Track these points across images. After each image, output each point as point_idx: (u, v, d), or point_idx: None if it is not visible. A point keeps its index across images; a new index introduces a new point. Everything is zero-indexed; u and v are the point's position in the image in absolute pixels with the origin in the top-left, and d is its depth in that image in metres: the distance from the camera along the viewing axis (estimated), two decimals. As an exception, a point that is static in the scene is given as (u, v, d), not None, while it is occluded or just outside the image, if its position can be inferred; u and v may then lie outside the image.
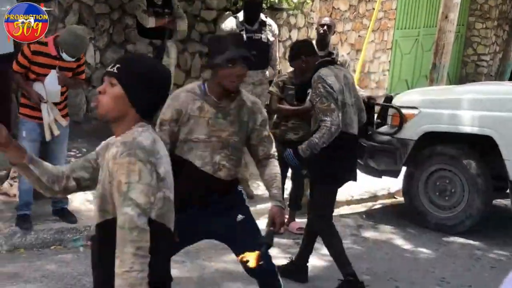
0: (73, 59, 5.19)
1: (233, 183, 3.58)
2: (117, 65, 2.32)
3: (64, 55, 5.10)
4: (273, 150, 3.63)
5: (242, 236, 3.55)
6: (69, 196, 5.47)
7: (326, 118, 4.40)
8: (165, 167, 2.28)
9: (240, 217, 3.54)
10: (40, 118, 5.18)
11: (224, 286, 4.83)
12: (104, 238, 2.30)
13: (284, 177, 6.04)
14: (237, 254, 3.51)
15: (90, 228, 5.10)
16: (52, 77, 5.12)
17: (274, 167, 3.58)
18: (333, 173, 4.66)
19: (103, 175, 2.27)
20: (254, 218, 3.67)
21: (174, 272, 4.96)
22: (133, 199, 2.14)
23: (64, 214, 5.49)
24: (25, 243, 5.20)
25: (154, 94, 2.34)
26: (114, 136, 2.38)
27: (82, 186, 2.48)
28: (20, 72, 5.19)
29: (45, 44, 5.15)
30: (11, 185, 5.89)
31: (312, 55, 4.80)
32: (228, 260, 5.15)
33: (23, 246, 5.20)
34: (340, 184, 4.85)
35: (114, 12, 7.93)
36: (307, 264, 5.00)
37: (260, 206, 6.45)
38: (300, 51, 4.80)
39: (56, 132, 5.21)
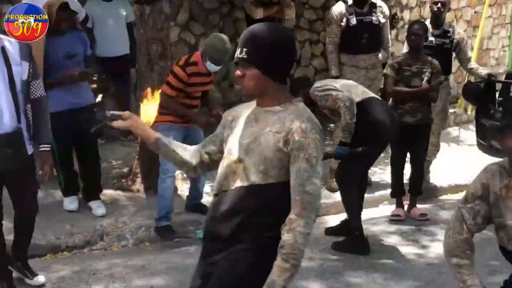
0: (218, 67, 5.21)
1: None
2: (244, 49, 2.46)
3: (209, 65, 5.14)
4: None
5: None
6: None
7: (337, 102, 4.90)
8: None
9: None
10: (184, 122, 5.27)
11: (346, 275, 4.74)
12: (261, 199, 2.46)
13: (403, 162, 5.90)
14: None
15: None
16: None
17: None
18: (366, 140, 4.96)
19: (265, 140, 2.45)
20: None
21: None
22: (319, 172, 2.43)
23: (201, 209, 5.51)
24: (150, 237, 5.35)
25: (283, 59, 2.49)
26: (256, 106, 2.57)
27: (214, 159, 2.68)
28: (173, 96, 5.18)
29: (196, 63, 5.17)
30: (134, 181, 6.08)
31: (307, 86, 5.14)
32: (348, 249, 5.10)
33: (148, 240, 5.35)
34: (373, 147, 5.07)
35: (223, 6, 8.02)
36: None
37: (378, 193, 6.37)
38: (295, 87, 5.15)
39: None
